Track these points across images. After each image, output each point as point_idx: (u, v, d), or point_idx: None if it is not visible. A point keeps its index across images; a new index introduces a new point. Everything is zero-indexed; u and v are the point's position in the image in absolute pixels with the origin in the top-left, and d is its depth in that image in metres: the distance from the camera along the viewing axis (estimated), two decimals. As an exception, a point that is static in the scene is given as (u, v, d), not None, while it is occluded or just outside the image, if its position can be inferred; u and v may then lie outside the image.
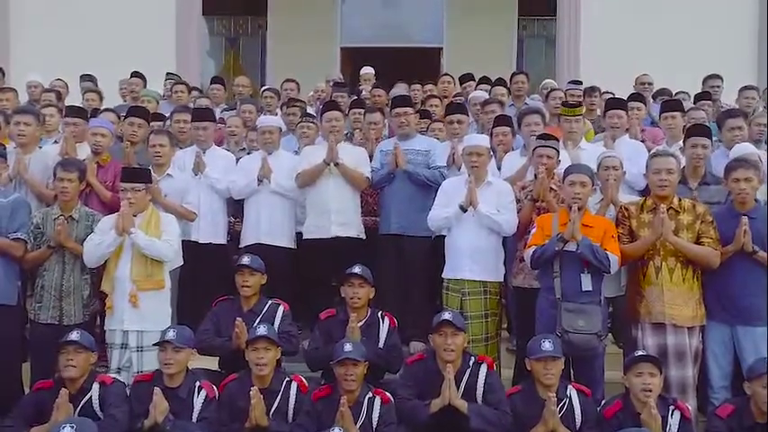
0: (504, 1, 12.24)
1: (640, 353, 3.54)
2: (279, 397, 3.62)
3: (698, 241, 3.85)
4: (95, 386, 3.59)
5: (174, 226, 4.24)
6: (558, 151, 4.33)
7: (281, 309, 4.15)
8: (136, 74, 6.98)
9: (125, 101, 6.84)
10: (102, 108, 6.16)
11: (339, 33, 12.49)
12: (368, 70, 7.88)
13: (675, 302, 3.79)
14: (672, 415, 3.37)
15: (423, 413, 3.52)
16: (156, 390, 3.47)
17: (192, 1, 8.96)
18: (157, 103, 6.37)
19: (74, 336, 3.62)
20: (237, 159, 5.16)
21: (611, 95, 6.31)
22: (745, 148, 4.50)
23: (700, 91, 6.53)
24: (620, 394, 3.55)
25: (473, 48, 11.63)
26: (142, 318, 3.99)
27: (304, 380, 3.78)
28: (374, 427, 3.45)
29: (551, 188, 4.23)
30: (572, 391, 3.53)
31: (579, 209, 3.83)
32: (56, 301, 4.05)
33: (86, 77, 6.98)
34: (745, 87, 6.40)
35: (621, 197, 4.32)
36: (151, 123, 5.26)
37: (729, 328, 3.89)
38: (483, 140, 4.46)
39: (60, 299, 4.05)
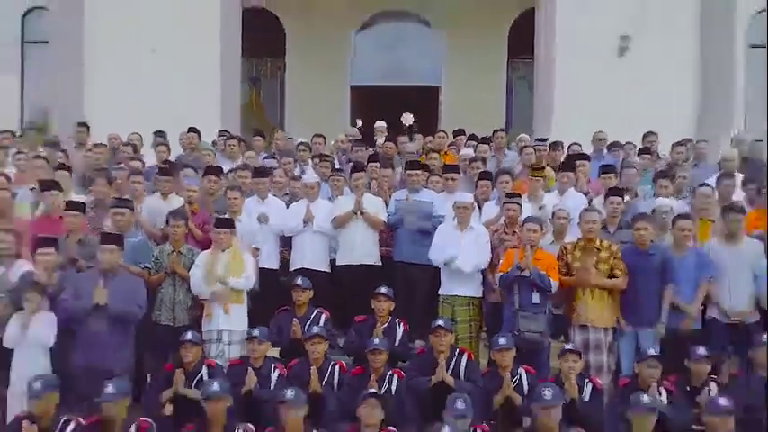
0: (496, 45, 14.29)
1: (568, 346, 5.51)
2: (327, 374, 5.60)
3: (612, 271, 5.85)
4: (204, 368, 5.54)
5: (251, 261, 6.23)
6: (520, 205, 6.33)
7: (323, 315, 6.15)
8: (192, 129, 8.92)
9: (184, 151, 8.76)
10: (168, 157, 8.19)
11: (349, 74, 14.50)
12: (381, 124, 9.89)
13: (594, 312, 5.81)
14: (586, 385, 5.33)
15: (424, 385, 5.50)
16: (249, 369, 5.44)
17: (233, 68, 11.09)
18: (214, 155, 8.33)
19: (189, 336, 5.56)
20: (287, 204, 7.14)
21: (577, 147, 8.37)
22: (659, 202, 6.49)
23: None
24: (556, 374, 5.52)
25: (467, 87, 13.69)
26: (230, 322, 5.97)
27: (344, 363, 5.77)
28: (392, 393, 5.42)
29: (514, 231, 6.23)
30: (521, 371, 5.47)
31: (531, 247, 5.83)
32: (169, 310, 6.04)
33: (158, 134, 8.95)
34: (677, 143, 8.39)
35: (568, 238, 6.30)
36: (212, 176, 7.20)
37: (634, 330, 5.90)
38: (468, 198, 6.48)
39: (173, 308, 6.03)
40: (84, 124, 9.14)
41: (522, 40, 13.24)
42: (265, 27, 14.08)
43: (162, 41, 10.83)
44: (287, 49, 14.46)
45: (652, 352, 5.34)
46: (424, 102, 13.98)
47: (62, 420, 4.61)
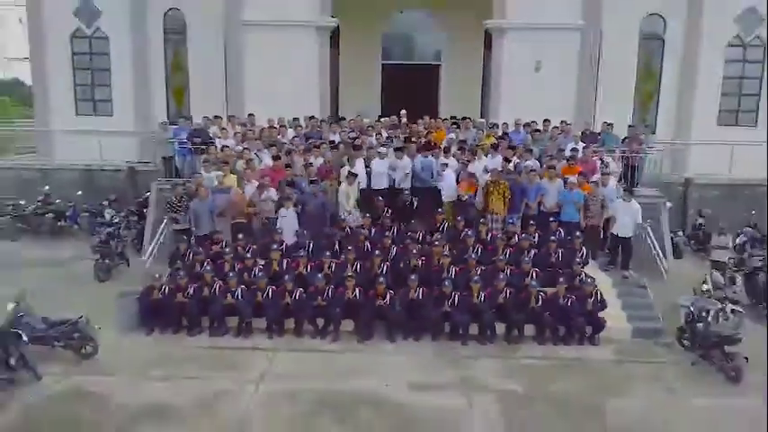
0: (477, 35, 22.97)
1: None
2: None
3: (504, 192, 15.07)
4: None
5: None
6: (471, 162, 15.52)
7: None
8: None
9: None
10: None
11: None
12: (403, 111, 18.73)
13: (498, 207, 15.06)
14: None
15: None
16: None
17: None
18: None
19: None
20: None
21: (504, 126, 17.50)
22: (527, 164, 15.62)
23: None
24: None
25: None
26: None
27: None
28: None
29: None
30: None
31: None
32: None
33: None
34: (554, 126, 17.45)
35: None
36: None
37: (511, 216, 15.23)
38: (452, 161, 15.60)
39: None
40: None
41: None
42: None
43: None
44: (340, 40, 23.14)
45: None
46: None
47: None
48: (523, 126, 17.68)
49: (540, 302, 12.67)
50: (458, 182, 15.37)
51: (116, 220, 19.45)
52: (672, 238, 18.27)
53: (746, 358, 11.07)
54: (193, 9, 22.85)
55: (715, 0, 22.02)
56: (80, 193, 21.74)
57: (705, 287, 13.39)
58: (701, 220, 20.22)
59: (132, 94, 23.73)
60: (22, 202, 21.43)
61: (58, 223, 20.99)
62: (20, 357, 10.27)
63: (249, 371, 11.21)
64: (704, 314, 11.80)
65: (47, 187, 21.83)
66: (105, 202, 21.22)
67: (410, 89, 23.23)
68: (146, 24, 23.22)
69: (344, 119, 18.77)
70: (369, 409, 9.94)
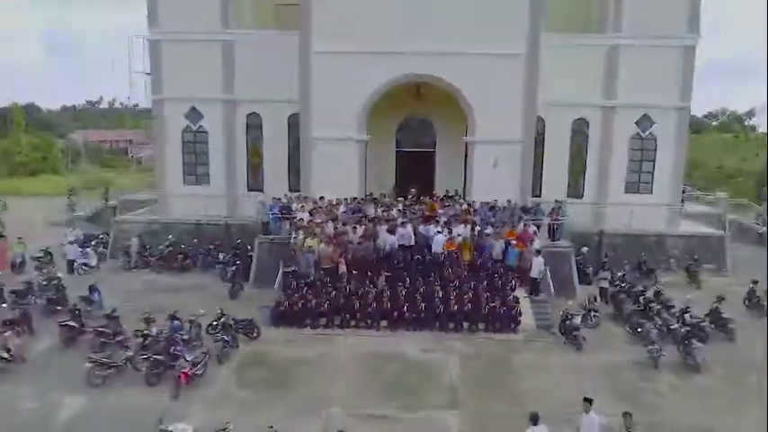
0: (460, 131, 34.69)
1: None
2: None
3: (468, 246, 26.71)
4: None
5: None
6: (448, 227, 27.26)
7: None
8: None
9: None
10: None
11: (394, 145, 35.23)
12: (413, 190, 30.54)
13: (466, 256, 26.73)
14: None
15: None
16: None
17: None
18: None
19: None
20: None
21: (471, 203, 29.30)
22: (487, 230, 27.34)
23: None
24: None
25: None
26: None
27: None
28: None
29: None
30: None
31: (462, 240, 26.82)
32: (369, 256, 26.90)
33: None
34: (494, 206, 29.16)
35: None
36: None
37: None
38: (436, 230, 27.35)
39: (370, 256, 26.92)
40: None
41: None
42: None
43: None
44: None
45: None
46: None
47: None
48: (485, 204, 29.32)
49: (487, 310, 24.15)
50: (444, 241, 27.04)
51: (226, 260, 31.16)
52: (584, 270, 30.04)
53: (584, 338, 22.65)
54: (268, 114, 34.74)
55: (621, 110, 33.74)
56: (195, 240, 33.48)
57: (586, 302, 25.09)
58: (605, 259, 31.76)
59: (223, 170, 35.55)
60: (161, 246, 33.13)
61: (184, 261, 32.66)
62: (232, 337, 21.84)
63: (335, 344, 22.77)
64: (569, 316, 23.36)
65: (170, 236, 33.57)
66: (212, 246, 32.99)
67: (415, 168, 35.07)
68: (233, 123, 35.09)
69: (377, 199, 30.46)
70: (397, 361, 21.46)
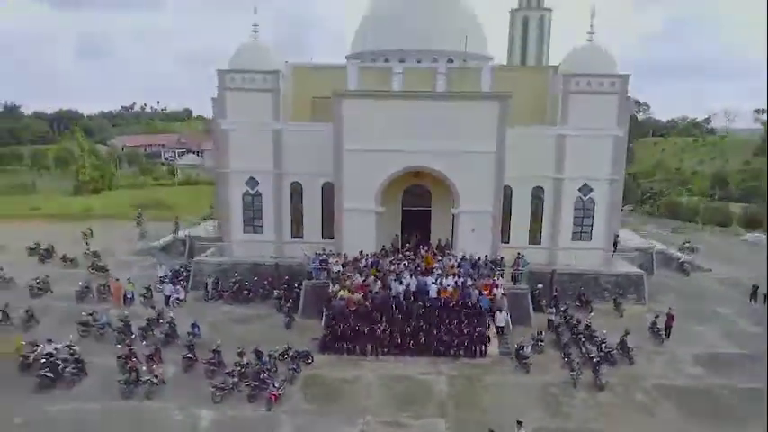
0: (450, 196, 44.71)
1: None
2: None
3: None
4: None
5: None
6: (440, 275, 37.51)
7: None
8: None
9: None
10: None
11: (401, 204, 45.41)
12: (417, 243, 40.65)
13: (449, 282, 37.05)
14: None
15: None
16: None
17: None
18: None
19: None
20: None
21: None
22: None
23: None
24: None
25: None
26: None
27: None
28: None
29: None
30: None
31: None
32: (385, 301, 37.13)
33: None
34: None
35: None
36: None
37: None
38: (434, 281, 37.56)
39: (385, 301, 37.17)
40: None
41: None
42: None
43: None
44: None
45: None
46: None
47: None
48: (466, 260, 39.38)
49: (465, 343, 34.32)
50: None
51: (280, 295, 41.40)
52: (539, 303, 40.26)
53: (531, 363, 32.62)
54: (307, 182, 44.34)
55: (568, 180, 43.50)
56: (256, 278, 43.62)
57: (536, 332, 35.45)
58: (555, 293, 41.83)
59: (273, 223, 45.14)
60: (230, 283, 43.15)
61: (248, 295, 42.88)
62: (297, 364, 32.02)
63: (364, 368, 32.28)
64: (522, 346, 33.31)
65: (237, 274, 43.75)
66: (266, 282, 43.15)
67: (416, 221, 44.72)
68: (281, 188, 44.36)
69: (389, 254, 40.54)
70: (406, 380, 30.66)
